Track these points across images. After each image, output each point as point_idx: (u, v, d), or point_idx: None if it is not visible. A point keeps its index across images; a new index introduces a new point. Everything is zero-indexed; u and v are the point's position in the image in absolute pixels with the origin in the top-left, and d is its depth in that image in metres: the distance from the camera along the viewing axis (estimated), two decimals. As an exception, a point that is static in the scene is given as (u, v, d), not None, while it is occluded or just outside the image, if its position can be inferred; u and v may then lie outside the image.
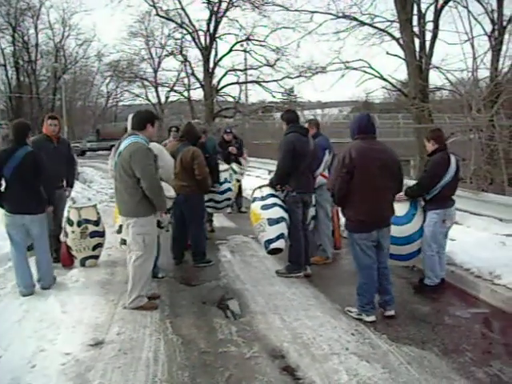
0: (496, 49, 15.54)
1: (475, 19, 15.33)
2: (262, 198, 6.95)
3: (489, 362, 4.58)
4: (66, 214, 7.71)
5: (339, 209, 6.47)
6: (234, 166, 10.87)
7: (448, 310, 5.93)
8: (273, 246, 6.80)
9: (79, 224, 7.51)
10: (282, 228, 6.79)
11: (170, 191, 6.44)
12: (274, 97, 36.26)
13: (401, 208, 6.24)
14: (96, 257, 7.76)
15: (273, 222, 6.76)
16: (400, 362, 4.55)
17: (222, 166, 9.56)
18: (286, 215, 6.83)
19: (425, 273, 6.54)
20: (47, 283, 6.60)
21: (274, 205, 6.87)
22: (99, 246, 7.75)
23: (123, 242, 6.66)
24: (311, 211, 7.54)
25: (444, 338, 5.10)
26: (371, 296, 5.55)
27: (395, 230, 6.01)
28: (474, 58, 13.46)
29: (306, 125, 7.84)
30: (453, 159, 6.47)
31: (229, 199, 9.54)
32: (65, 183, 7.86)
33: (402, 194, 6.16)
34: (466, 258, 7.02)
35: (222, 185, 9.17)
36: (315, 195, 7.56)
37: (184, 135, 7.72)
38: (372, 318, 5.48)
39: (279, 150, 7.03)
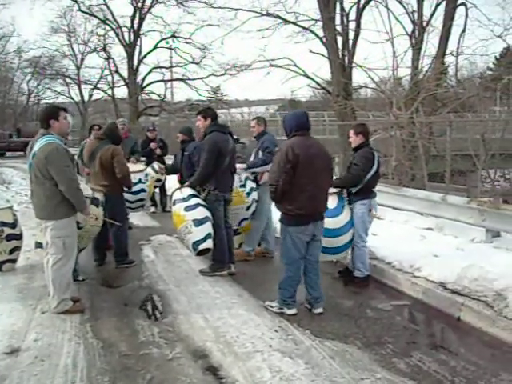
0: (416, 48, 16.00)
1: (396, 19, 15.79)
2: (184, 200, 6.82)
3: (409, 353, 4.70)
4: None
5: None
6: (156, 165, 10.75)
7: (370, 303, 6.04)
8: (201, 246, 6.70)
9: (-6, 227, 7.20)
10: (208, 228, 6.71)
11: (87, 189, 6.30)
12: (201, 95, 36.15)
13: (331, 200, 6.32)
14: (13, 261, 7.45)
15: (198, 222, 6.66)
16: (323, 356, 4.59)
17: (137, 167, 9.42)
18: (209, 214, 6.77)
19: (355, 265, 6.65)
20: None
21: (198, 205, 6.77)
22: (16, 249, 7.45)
23: (38, 245, 6.43)
24: (254, 195, 7.56)
25: (366, 331, 5.19)
26: (294, 290, 5.62)
27: (329, 223, 6.11)
28: (395, 57, 13.83)
29: (254, 122, 7.84)
30: (375, 154, 6.74)
31: (142, 199, 9.40)
32: None
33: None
34: (387, 252, 7.18)
35: (136, 185, 9.03)
36: (259, 191, 7.57)
37: (106, 134, 7.54)
38: (294, 311, 5.56)
39: (202, 150, 6.96)
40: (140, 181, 9.19)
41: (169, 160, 12.44)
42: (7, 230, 7.29)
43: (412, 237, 8.02)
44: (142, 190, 9.30)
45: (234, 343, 4.86)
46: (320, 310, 5.68)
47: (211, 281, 6.75)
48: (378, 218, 7.83)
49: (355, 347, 4.79)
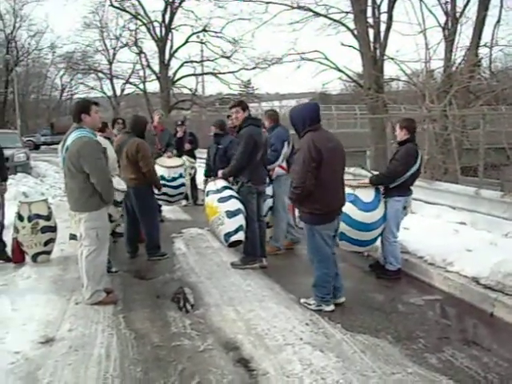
0: (449, 40, 15.77)
1: (429, 10, 15.62)
2: (218, 191, 6.85)
3: (441, 348, 4.65)
4: (16, 209, 7.51)
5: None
6: (185, 159, 10.88)
7: (402, 297, 5.99)
8: (233, 238, 6.73)
9: (30, 219, 7.34)
10: (240, 220, 6.73)
11: (121, 184, 6.35)
12: (231, 89, 36.21)
13: (367, 194, 6.34)
14: (48, 252, 7.59)
15: (231, 214, 6.68)
16: (354, 350, 4.57)
17: (176, 162, 9.53)
18: (242, 207, 6.79)
19: (387, 259, 6.62)
20: None
21: (231, 197, 6.79)
22: (51, 241, 7.59)
23: (72, 236, 6.53)
24: (268, 202, 7.53)
25: (397, 325, 5.15)
26: (331, 285, 5.58)
27: (362, 216, 6.15)
28: (427, 49, 13.65)
29: (264, 116, 7.84)
30: (419, 151, 6.64)
31: (182, 193, 9.60)
32: None
33: (366, 180, 6.25)
34: (419, 246, 7.10)
35: (176, 180, 9.14)
36: (273, 186, 7.56)
37: (131, 128, 7.60)
38: (332, 307, 5.54)
39: (238, 143, 6.96)
40: (181, 175, 9.39)
41: (199, 154, 12.54)
42: (42, 223, 7.42)
43: (444, 231, 7.91)
44: (183, 185, 9.51)
45: (265, 336, 4.87)
46: (343, 300, 5.70)
47: (242, 274, 6.78)
48: (411, 212, 7.75)
49: (386, 341, 4.76)
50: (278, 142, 7.51)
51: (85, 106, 5.77)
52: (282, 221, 7.86)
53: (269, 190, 7.60)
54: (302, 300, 5.72)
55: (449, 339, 4.89)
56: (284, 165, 7.72)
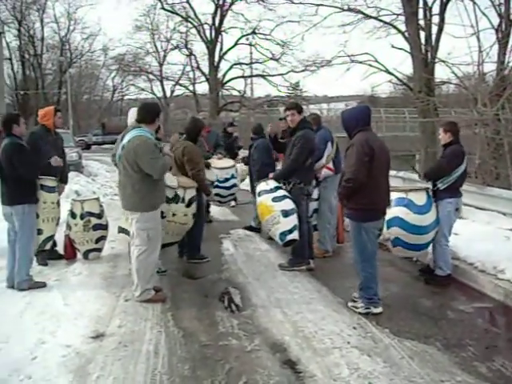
0: (502, 42, 15.40)
1: (482, 12, 15.20)
2: (271, 191, 6.86)
3: (491, 357, 4.55)
4: (69, 207, 7.70)
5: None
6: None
7: (451, 304, 5.90)
8: (289, 237, 6.73)
9: (82, 217, 7.51)
10: (294, 219, 6.74)
11: (172, 181, 6.43)
12: (280, 91, 36.26)
13: (420, 197, 6.31)
14: (99, 249, 7.77)
15: (286, 213, 6.68)
16: (402, 356, 4.52)
17: (228, 163, 9.58)
18: (295, 207, 6.79)
19: (437, 263, 6.54)
20: (16, 283, 6.32)
21: (285, 197, 6.80)
22: (102, 238, 7.76)
23: (121, 230, 6.63)
24: (313, 205, 7.53)
25: (447, 332, 5.07)
26: (377, 286, 5.57)
27: (416, 219, 6.14)
28: (480, 52, 13.38)
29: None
30: (465, 152, 6.67)
31: (233, 194, 9.67)
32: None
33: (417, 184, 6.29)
34: (469, 252, 6.98)
35: (229, 181, 9.21)
36: (319, 188, 7.55)
37: (186, 129, 7.64)
38: (380, 309, 5.51)
39: (294, 145, 6.90)
40: (233, 176, 9.42)
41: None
42: (94, 220, 7.58)
43: (495, 237, 7.74)
44: (234, 185, 9.56)
45: (312, 338, 4.87)
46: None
47: (290, 275, 6.79)
48: (461, 217, 7.64)
49: (435, 348, 4.69)
50: (321, 142, 7.52)
51: (159, 111, 5.99)
52: (328, 223, 7.84)
53: (313, 193, 7.58)
54: (350, 304, 5.69)
55: (499, 348, 4.79)
56: (331, 165, 7.72)
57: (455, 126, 6.80)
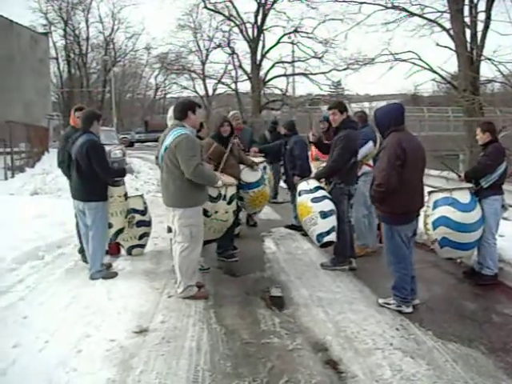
0: (551, 40, 15.09)
1: (530, 9, 14.89)
2: (311, 191, 6.84)
3: (538, 362, 4.46)
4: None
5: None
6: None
7: (496, 307, 5.79)
8: (326, 239, 6.71)
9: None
10: (333, 221, 6.72)
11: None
12: (322, 89, 36.06)
13: (464, 195, 6.25)
14: (142, 246, 7.87)
15: (325, 214, 6.67)
16: (445, 359, 4.47)
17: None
18: (334, 208, 6.77)
19: (484, 262, 6.45)
20: (92, 274, 6.66)
21: (324, 197, 6.78)
22: (145, 235, 7.86)
23: (169, 229, 6.71)
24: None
25: (491, 336, 4.98)
26: (409, 286, 5.56)
27: (463, 217, 6.10)
28: (528, 50, 13.10)
29: (354, 117, 7.82)
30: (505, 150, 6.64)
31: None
32: None
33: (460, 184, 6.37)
34: (515, 254, 6.84)
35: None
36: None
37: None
38: (410, 309, 5.51)
39: (336, 145, 6.86)
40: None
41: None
42: (138, 217, 7.69)
43: (542, 240, 7.59)
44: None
45: (354, 339, 4.85)
46: (417, 302, 5.67)
47: (332, 275, 6.78)
48: (505, 218, 7.49)
49: (479, 352, 4.61)
50: (362, 139, 7.45)
51: (193, 105, 5.99)
52: (363, 216, 7.80)
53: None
54: (381, 300, 5.71)
55: (546, 353, 4.69)
56: (371, 162, 7.73)
57: (492, 125, 6.78)
